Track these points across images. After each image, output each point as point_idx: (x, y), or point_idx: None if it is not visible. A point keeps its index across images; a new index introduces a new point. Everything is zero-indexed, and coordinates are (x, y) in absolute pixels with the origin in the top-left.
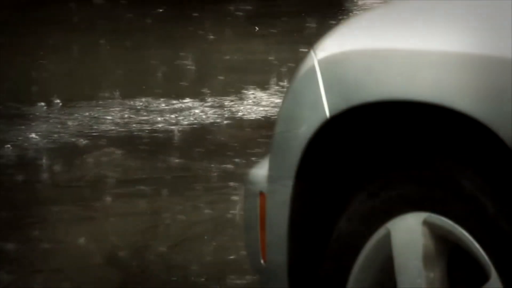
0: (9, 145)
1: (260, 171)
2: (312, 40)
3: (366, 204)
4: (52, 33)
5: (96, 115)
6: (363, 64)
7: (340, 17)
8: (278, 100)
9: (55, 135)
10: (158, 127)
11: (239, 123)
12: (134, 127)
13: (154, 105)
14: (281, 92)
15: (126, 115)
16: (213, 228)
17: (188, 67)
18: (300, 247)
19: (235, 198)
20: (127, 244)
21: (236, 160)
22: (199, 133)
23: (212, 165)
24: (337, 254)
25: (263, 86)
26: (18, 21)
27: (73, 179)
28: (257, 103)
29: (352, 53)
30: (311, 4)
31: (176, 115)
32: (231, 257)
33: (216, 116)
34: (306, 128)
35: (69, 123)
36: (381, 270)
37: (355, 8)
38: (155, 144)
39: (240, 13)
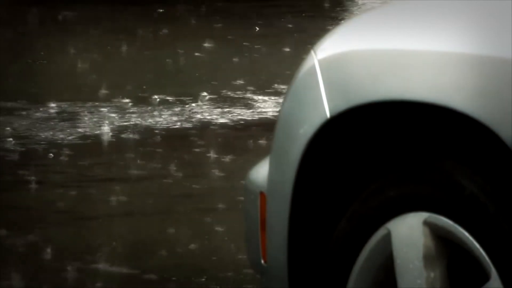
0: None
1: (260, 171)
2: (312, 40)
3: (366, 204)
4: (52, 33)
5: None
6: (363, 64)
7: (340, 17)
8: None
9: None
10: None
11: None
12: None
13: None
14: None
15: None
16: None
17: (189, 68)
18: (300, 247)
19: None
20: None
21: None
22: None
23: None
24: (337, 254)
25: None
26: (19, 21)
27: None
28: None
29: (352, 53)
30: (311, 4)
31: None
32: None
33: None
34: (306, 128)
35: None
36: (381, 270)
37: (355, 8)
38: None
39: (240, 13)
